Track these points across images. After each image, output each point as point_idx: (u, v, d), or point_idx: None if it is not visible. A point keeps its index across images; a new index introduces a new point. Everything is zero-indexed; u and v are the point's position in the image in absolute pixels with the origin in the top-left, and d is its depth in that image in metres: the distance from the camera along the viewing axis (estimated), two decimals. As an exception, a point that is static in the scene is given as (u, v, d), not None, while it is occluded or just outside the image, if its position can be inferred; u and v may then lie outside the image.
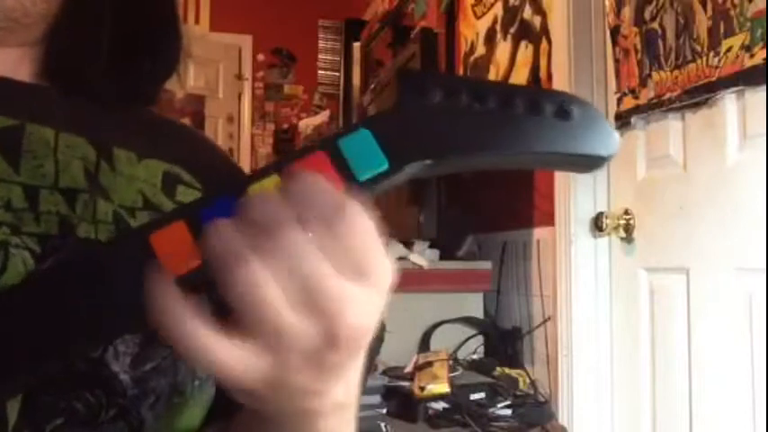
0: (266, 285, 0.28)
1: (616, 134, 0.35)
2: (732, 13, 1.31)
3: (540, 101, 0.34)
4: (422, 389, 1.56)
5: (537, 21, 2.02)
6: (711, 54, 1.36)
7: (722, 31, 1.33)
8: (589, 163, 0.35)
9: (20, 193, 0.43)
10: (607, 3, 1.73)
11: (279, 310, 0.29)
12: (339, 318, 0.29)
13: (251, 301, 0.28)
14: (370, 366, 1.63)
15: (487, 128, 0.33)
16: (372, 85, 2.99)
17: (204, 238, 0.30)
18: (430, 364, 1.66)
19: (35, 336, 0.31)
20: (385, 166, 0.32)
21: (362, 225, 0.30)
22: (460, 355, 1.92)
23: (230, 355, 0.29)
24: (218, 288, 0.29)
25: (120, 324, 0.33)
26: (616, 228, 1.69)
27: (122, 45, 0.53)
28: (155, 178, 0.51)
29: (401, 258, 1.91)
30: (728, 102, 1.37)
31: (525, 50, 2.09)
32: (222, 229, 0.29)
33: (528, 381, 1.77)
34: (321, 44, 4.24)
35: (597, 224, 1.70)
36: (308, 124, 4.47)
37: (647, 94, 1.57)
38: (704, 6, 1.39)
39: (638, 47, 1.60)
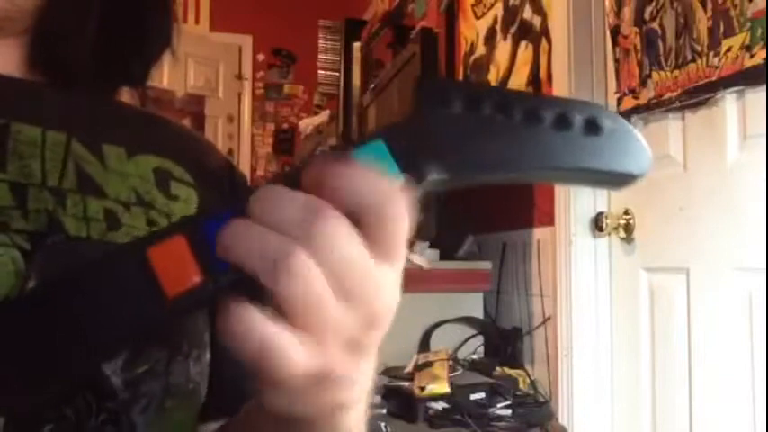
0: (313, 275, 0.28)
1: (648, 151, 0.33)
2: (732, 13, 1.31)
3: (568, 114, 0.32)
4: (422, 389, 1.56)
5: (537, 21, 2.02)
6: (711, 54, 1.36)
7: (722, 31, 1.33)
8: (619, 181, 0.33)
9: (6, 191, 0.42)
10: (607, 3, 1.73)
11: (326, 299, 0.28)
12: (377, 300, 0.30)
13: (299, 292, 0.28)
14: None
15: (513, 143, 0.31)
16: (372, 85, 2.99)
17: (235, 239, 0.28)
18: (430, 364, 1.66)
19: (25, 357, 0.29)
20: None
21: (398, 210, 0.30)
22: (460, 355, 1.92)
23: (289, 347, 0.28)
24: (248, 288, 0.28)
25: (116, 342, 0.31)
26: (616, 228, 1.69)
27: (111, 25, 0.52)
28: (147, 174, 0.50)
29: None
30: (728, 102, 1.37)
31: (525, 50, 2.09)
32: (255, 227, 0.28)
33: (528, 381, 1.77)
34: (321, 44, 4.24)
35: (597, 224, 1.70)
36: (308, 124, 4.47)
37: (647, 94, 1.57)
38: (704, 6, 1.39)
39: (638, 47, 1.60)
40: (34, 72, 0.51)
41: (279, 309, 0.28)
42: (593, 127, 0.32)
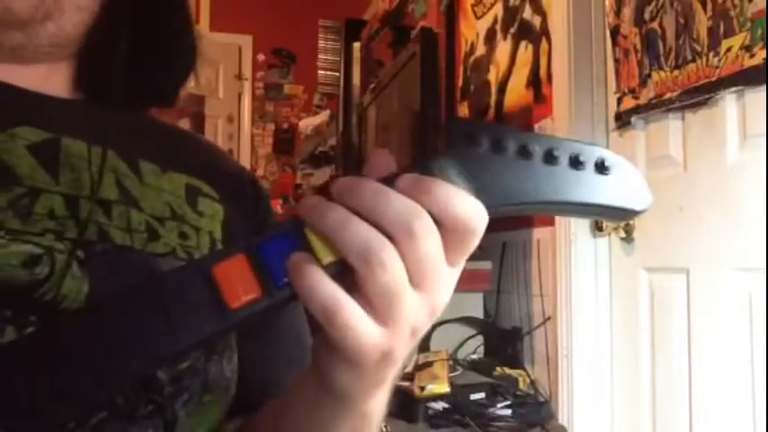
0: (401, 267, 0.33)
1: (649, 191, 0.38)
2: (732, 13, 1.31)
3: (581, 156, 0.37)
4: (422, 389, 1.56)
5: (537, 21, 2.02)
6: (711, 54, 1.36)
7: (722, 31, 1.33)
8: (624, 215, 0.38)
9: (61, 202, 0.46)
10: (607, 3, 1.73)
11: (406, 287, 0.34)
12: (441, 295, 0.36)
13: (385, 277, 0.33)
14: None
15: (534, 180, 0.36)
16: (372, 85, 2.99)
17: (343, 228, 0.33)
18: (430, 364, 1.66)
19: (95, 360, 0.33)
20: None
21: (480, 227, 0.35)
22: (460, 355, 1.92)
23: (362, 322, 0.34)
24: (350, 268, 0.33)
25: (181, 349, 0.34)
26: (616, 228, 1.69)
27: (142, 52, 0.57)
28: (179, 190, 0.54)
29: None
30: (728, 102, 1.37)
31: (525, 50, 2.09)
32: (356, 219, 0.33)
33: (528, 381, 1.77)
34: (321, 44, 4.23)
35: (597, 224, 1.70)
36: (308, 124, 4.47)
37: (647, 94, 1.57)
38: (704, 6, 1.39)
39: (638, 47, 1.60)
40: (78, 92, 0.56)
41: (365, 296, 0.33)
42: (602, 167, 0.37)
